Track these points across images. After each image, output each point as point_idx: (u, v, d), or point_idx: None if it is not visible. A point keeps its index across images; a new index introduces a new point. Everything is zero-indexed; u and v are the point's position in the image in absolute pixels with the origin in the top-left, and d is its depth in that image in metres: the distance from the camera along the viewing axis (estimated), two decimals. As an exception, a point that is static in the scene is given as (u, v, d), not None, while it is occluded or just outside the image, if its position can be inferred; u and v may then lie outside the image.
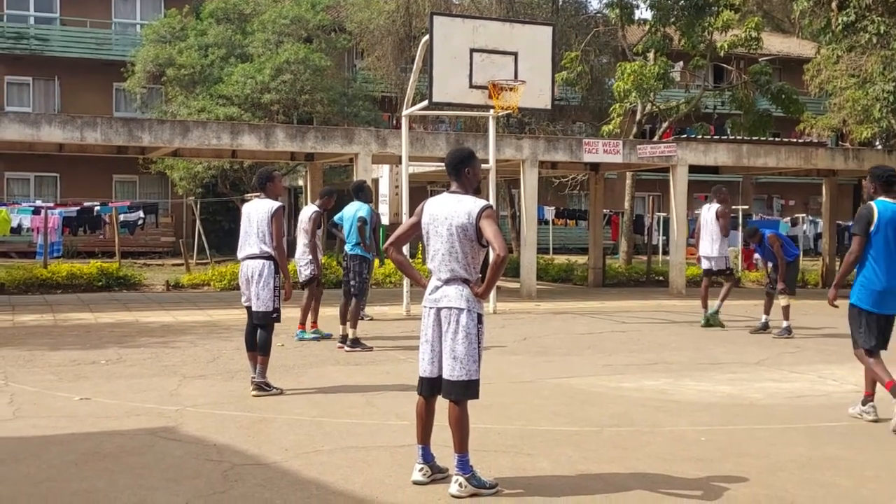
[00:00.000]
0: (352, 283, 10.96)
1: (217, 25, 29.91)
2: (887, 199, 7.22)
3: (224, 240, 31.56)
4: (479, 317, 5.35)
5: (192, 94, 28.19)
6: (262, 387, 8.04)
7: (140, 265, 25.07)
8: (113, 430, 6.62)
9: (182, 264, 23.14)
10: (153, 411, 7.26)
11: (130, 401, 7.63)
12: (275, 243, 8.01)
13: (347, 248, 11.13)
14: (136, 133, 16.09)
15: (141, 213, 25.87)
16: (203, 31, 29.62)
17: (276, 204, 8.11)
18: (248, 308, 8.18)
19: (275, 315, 8.07)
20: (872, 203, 7.26)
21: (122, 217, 24.40)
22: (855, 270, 7.38)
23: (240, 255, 8.23)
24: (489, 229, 5.24)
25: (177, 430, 6.65)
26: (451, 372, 5.31)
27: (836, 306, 7.55)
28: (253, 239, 8.07)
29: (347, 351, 10.56)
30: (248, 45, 29.31)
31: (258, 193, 8.38)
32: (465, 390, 5.29)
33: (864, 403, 7.48)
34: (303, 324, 11.54)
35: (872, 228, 7.14)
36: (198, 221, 27.14)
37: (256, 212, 8.11)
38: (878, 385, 7.32)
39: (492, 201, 15.48)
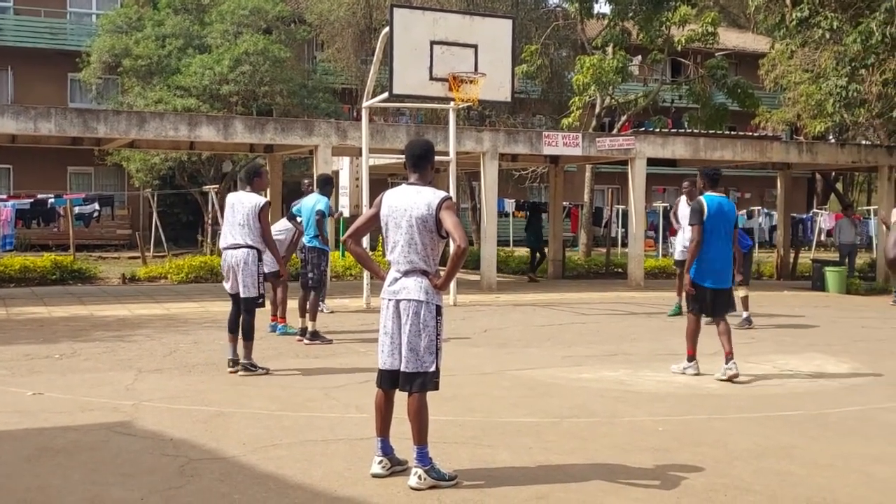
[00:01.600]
0: (310, 275, 10.90)
1: (174, 16, 29.53)
2: (713, 193, 8.80)
3: (182, 233, 31.23)
4: (439, 309, 5.34)
5: (149, 85, 27.81)
6: (249, 367, 8.57)
7: (95, 258, 24.72)
8: (66, 426, 6.52)
9: (138, 257, 22.86)
10: (108, 406, 7.16)
11: (85, 395, 7.52)
12: (263, 237, 8.56)
13: (305, 240, 11.06)
14: (91, 124, 15.83)
15: (96, 206, 25.53)
16: (160, 22, 29.23)
17: (262, 200, 8.64)
18: (233, 295, 8.69)
19: (260, 301, 8.66)
20: (701, 197, 8.74)
21: (76, 209, 24.06)
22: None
23: (223, 244, 8.70)
24: (449, 220, 5.23)
25: (132, 425, 6.57)
26: (409, 364, 5.29)
27: (693, 292, 8.77)
28: (238, 230, 8.54)
29: (307, 344, 10.50)
30: (207, 36, 28.98)
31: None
32: (423, 382, 5.28)
33: (688, 360, 8.91)
34: (283, 317, 11.41)
35: (705, 217, 8.60)
36: (155, 214, 26.83)
37: (242, 204, 8.58)
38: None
39: (452, 194, 15.46)
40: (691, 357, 8.99)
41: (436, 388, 5.33)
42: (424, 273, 5.32)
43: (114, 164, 29.79)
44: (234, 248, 8.54)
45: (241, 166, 30.00)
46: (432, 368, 5.30)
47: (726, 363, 8.75)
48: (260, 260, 8.61)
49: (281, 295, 11.39)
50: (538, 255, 21.19)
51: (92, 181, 32.55)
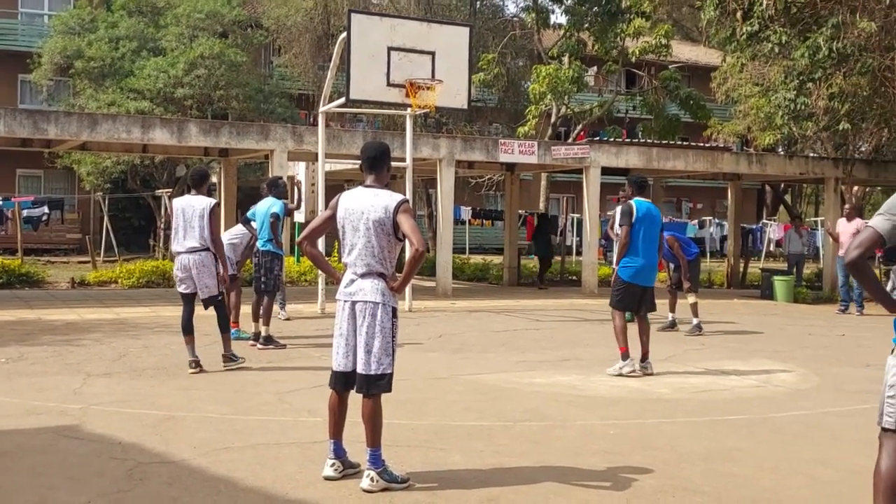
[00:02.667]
0: (262, 279, 10.85)
1: (129, 18, 29.24)
2: (642, 199, 9.32)
3: (133, 237, 30.85)
4: (394, 311, 5.35)
5: (102, 87, 27.49)
6: (231, 358, 9.04)
7: (44, 262, 24.32)
8: (12, 429, 6.41)
9: (89, 262, 22.55)
10: (55, 410, 7.06)
11: (32, 399, 7.40)
12: (213, 237, 8.73)
13: (259, 244, 11.00)
14: (41, 125, 15.60)
15: (46, 209, 25.12)
16: (114, 24, 28.92)
17: (212, 201, 8.83)
18: (186, 295, 8.92)
19: (220, 297, 9.04)
20: (632, 202, 9.26)
21: (25, 212, 23.66)
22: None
23: (178, 248, 8.85)
24: (407, 224, 5.24)
25: (80, 429, 6.48)
26: (365, 366, 5.29)
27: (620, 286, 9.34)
28: (191, 233, 8.72)
29: (260, 349, 10.44)
30: (161, 39, 28.73)
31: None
32: (378, 384, 5.29)
33: (622, 358, 9.21)
34: (236, 322, 11.30)
35: (634, 220, 9.15)
36: (106, 218, 26.45)
37: (192, 207, 8.74)
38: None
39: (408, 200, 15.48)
40: (625, 354, 9.25)
41: (389, 390, 5.34)
42: (381, 275, 5.33)
43: (64, 167, 29.40)
44: (191, 253, 8.72)
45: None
46: (389, 370, 5.31)
47: (643, 361, 9.32)
48: (216, 262, 8.81)
49: (234, 300, 11.31)
50: (546, 263, 21.40)
51: (41, 184, 32.07)
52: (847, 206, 18.29)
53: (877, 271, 22.85)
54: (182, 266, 8.81)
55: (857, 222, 17.10)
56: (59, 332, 11.46)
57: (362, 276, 5.34)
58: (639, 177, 9.79)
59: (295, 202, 12.88)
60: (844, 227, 16.99)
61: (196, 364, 8.82)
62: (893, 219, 3.97)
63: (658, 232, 9.43)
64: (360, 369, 5.31)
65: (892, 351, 4.19)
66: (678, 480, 5.60)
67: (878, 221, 4.00)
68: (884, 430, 4.15)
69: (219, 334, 9.12)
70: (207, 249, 8.74)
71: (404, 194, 15.26)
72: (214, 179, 15.46)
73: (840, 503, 5.33)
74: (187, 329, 8.86)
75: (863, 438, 6.88)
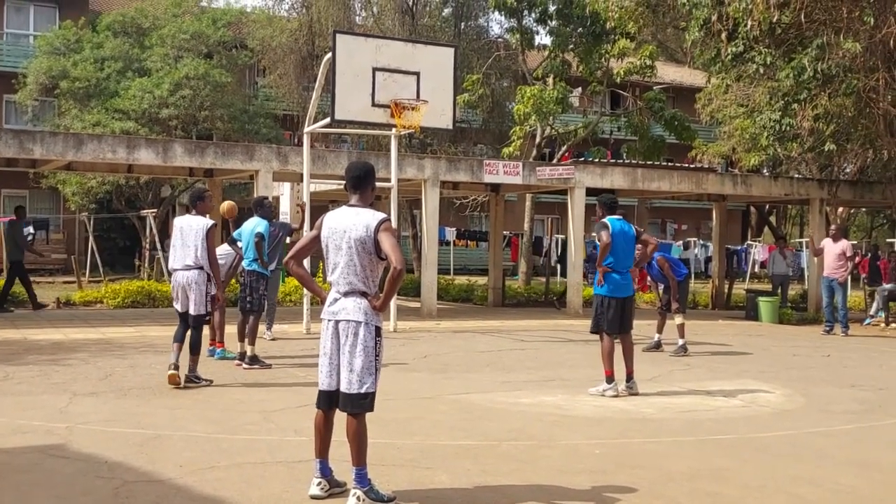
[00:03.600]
0: (248, 299, 10.85)
1: (114, 38, 29.26)
2: (614, 217, 9.57)
3: (118, 257, 30.75)
4: (378, 330, 5.37)
5: (87, 107, 27.47)
6: (193, 379, 9.12)
7: (29, 282, 24.14)
8: (-2, 449, 6.38)
9: (74, 282, 22.44)
10: (41, 429, 7.03)
11: (18, 418, 7.36)
12: (208, 257, 9.04)
13: (245, 263, 11.01)
14: (26, 145, 15.57)
15: (31, 229, 25.02)
16: (99, 44, 28.93)
17: (209, 222, 9.15)
18: (182, 314, 9.21)
19: (207, 318, 9.41)
20: (605, 220, 9.53)
21: (10, 232, 23.50)
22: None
23: (174, 265, 9.20)
24: (387, 242, 5.26)
25: (66, 448, 6.45)
26: (348, 385, 5.30)
27: (603, 283, 9.50)
28: (187, 251, 9.04)
29: (245, 369, 10.41)
30: (147, 60, 28.75)
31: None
32: (361, 403, 5.29)
33: (607, 381, 9.28)
34: (221, 342, 11.29)
35: (611, 236, 9.36)
36: (91, 238, 26.36)
37: (190, 227, 9.09)
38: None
39: (393, 221, 15.51)
40: (609, 378, 9.29)
41: (372, 408, 5.34)
42: (364, 294, 5.35)
43: (49, 187, 29.30)
44: (186, 270, 9.03)
45: (180, 191, 29.74)
46: (372, 389, 5.32)
47: (627, 381, 9.43)
48: (209, 280, 9.09)
49: (219, 319, 11.29)
50: None
51: (27, 204, 31.84)
52: (833, 226, 18.41)
53: (861, 293, 23.02)
54: (177, 283, 9.13)
55: (844, 243, 17.23)
56: (45, 352, 11.40)
57: (345, 294, 5.35)
58: (608, 197, 9.98)
59: (299, 223, 12.98)
60: (830, 248, 17.08)
61: (176, 367, 8.95)
62: None
63: (633, 247, 9.71)
64: (343, 388, 5.32)
65: None
66: (664, 500, 5.62)
67: None
68: None
69: (187, 355, 9.13)
70: (202, 268, 9.02)
71: (389, 215, 15.34)
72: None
73: (825, 521, 5.36)
74: (178, 338, 9.09)
75: (848, 458, 6.93)
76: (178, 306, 9.23)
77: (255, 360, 10.54)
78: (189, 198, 9.52)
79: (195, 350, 9.16)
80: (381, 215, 5.38)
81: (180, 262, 9.07)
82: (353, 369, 5.28)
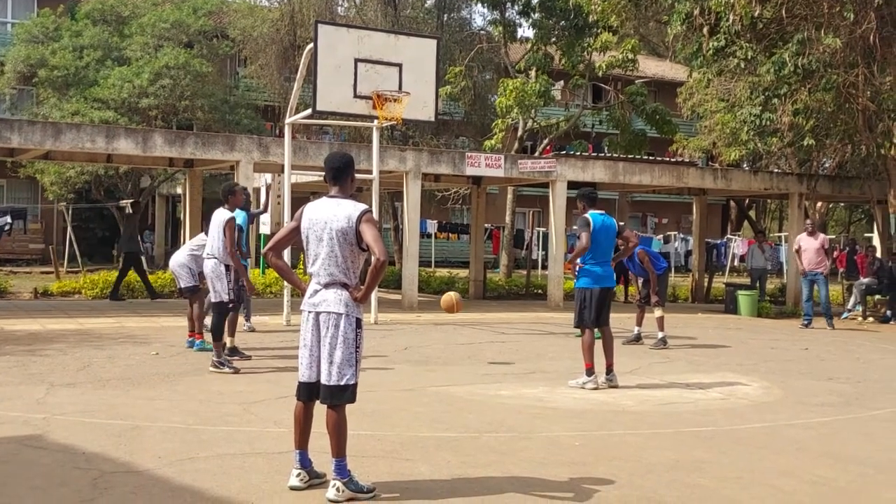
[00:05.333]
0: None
1: (93, 27, 29.03)
2: (595, 212, 9.59)
3: (97, 248, 30.56)
4: (359, 321, 5.35)
5: (66, 96, 27.25)
6: (218, 364, 9.51)
7: (6, 272, 23.96)
8: (-26, 439, 6.33)
9: (51, 272, 22.29)
10: (18, 420, 6.97)
11: (-6, 409, 7.31)
12: (226, 248, 9.63)
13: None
14: (4, 133, 15.43)
15: (8, 219, 24.76)
16: (78, 32, 28.68)
17: (229, 215, 9.76)
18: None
19: (230, 305, 9.85)
20: (587, 214, 9.56)
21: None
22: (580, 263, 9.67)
23: (203, 254, 10.10)
24: (369, 233, 5.25)
25: (44, 438, 6.41)
26: (328, 377, 5.29)
27: (576, 274, 9.68)
28: (212, 242, 9.79)
29: (212, 371, 10.34)
30: (126, 48, 28.54)
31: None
32: (341, 395, 5.28)
33: (587, 374, 9.33)
34: (200, 333, 11.23)
35: (591, 230, 9.40)
36: (69, 228, 26.18)
37: (216, 219, 9.82)
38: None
39: (375, 213, 15.47)
40: (590, 370, 9.34)
41: (352, 400, 5.33)
42: (345, 285, 5.33)
43: (27, 177, 29.08)
44: (208, 259, 9.83)
45: (159, 181, 29.56)
46: (353, 381, 5.31)
47: (608, 373, 9.45)
48: (228, 271, 9.70)
49: (198, 311, 11.24)
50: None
51: (4, 193, 31.68)
52: (808, 221, 18.52)
53: (839, 287, 23.19)
54: (205, 270, 9.92)
55: (822, 238, 17.34)
56: (22, 342, 11.31)
57: (326, 286, 5.34)
58: (588, 190, 10.04)
59: (262, 206, 12.94)
60: (808, 243, 17.18)
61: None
62: None
63: (613, 241, 9.80)
64: (323, 380, 5.30)
65: None
66: (643, 491, 5.64)
67: None
68: None
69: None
70: (217, 258, 9.71)
71: (370, 207, 15.29)
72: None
73: (802, 513, 5.40)
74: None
75: (825, 450, 6.98)
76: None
77: (234, 351, 10.49)
78: (221, 192, 10.16)
79: (217, 336, 9.63)
80: (363, 206, 5.36)
81: (207, 251, 9.89)
82: (334, 361, 5.27)
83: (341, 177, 5.47)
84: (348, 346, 5.28)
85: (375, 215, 15.90)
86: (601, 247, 9.56)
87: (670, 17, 18.53)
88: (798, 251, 17.42)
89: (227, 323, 10.58)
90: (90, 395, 8.10)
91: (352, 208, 5.32)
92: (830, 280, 18.46)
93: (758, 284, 20.86)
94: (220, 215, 9.77)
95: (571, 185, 19.86)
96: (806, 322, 17.15)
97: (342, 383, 5.27)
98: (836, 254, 19.48)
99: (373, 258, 5.26)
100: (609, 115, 25.61)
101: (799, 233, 21.66)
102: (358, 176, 5.51)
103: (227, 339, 10.52)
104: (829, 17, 16.73)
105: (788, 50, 16.93)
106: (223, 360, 9.59)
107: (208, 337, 11.17)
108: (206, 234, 11.44)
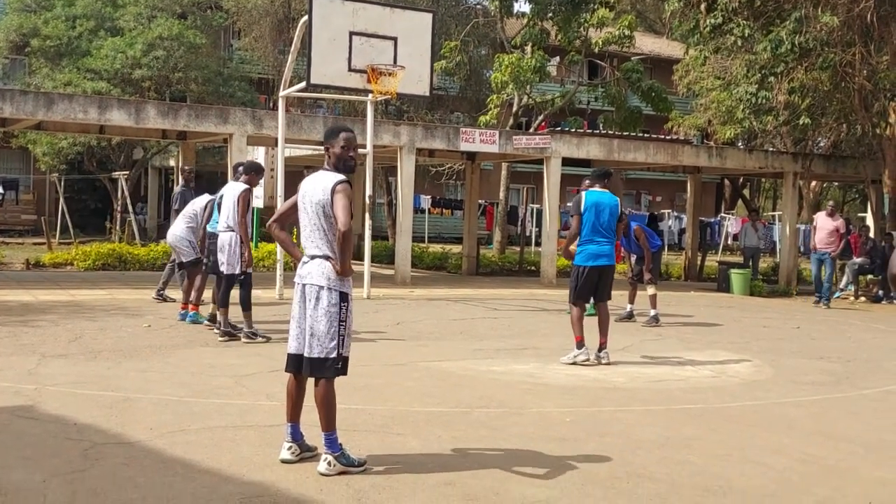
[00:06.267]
0: (205, 261, 10.80)
1: (86, -4, 28.76)
2: (595, 189, 9.61)
3: (89, 219, 30.44)
4: (343, 295, 5.30)
5: (58, 66, 27.03)
6: (250, 335, 9.77)
7: (-2, 243, 23.94)
8: (-35, 409, 6.32)
9: (44, 243, 22.23)
10: (9, 390, 6.96)
11: (-15, 380, 7.29)
12: (238, 220, 9.66)
13: (209, 226, 10.87)
14: (-4, 103, 15.32)
15: (0, 189, 24.70)
16: (71, 2, 28.43)
17: (243, 187, 9.82)
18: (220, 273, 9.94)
19: (241, 276, 9.85)
20: (582, 192, 9.63)
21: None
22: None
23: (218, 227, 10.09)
24: (339, 203, 5.19)
25: (35, 409, 6.40)
26: (309, 349, 5.27)
27: (571, 259, 9.66)
28: (226, 213, 9.79)
29: (218, 332, 10.34)
30: (119, 19, 28.30)
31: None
32: (321, 368, 5.25)
33: (577, 347, 9.36)
34: (196, 304, 11.20)
35: (582, 209, 9.44)
36: (61, 199, 26.09)
37: (230, 192, 9.87)
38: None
39: (368, 188, 15.45)
40: (580, 343, 9.36)
41: (337, 374, 5.29)
42: (327, 258, 5.30)
43: (19, 147, 28.93)
44: (224, 231, 9.78)
45: (152, 153, 29.43)
46: (333, 354, 5.26)
47: (599, 351, 9.45)
48: (242, 242, 9.69)
49: (199, 283, 11.20)
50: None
51: (-4, 164, 31.51)
52: (831, 202, 18.78)
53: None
54: (218, 243, 9.86)
55: (840, 221, 17.50)
56: (14, 313, 11.28)
57: (312, 258, 5.32)
58: (600, 168, 10.04)
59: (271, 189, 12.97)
60: (824, 223, 17.29)
61: (212, 319, 10.21)
62: None
63: (611, 219, 9.58)
64: (307, 352, 5.28)
65: None
66: (633, 467, 5.66)
67: None
68: None
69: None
70: (233, 230, 9.69)
71: (365, 181, 15.25)
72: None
73: (791, 490, 5.42)
74: (223, 302, 9.87)
75: (815, 428, 7.02)
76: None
77: (213, 319, 10.49)
78: (244, 167, 10.18)
79: (245, 306, 9.81)
80: (339, 177, 5.30)
81: (221, 223, 9.84)
82: (315, 333, 5.25)
83: (326, 147, 5.46)
84: (331, 319, 5.25)
85: (369, 190, 15.88)
86: (593, 225, 9.49)
87: (667, -7, 18.44)
88: (814, 228, 17.60)
89: (228, 294, 10.53)
90: (82, 366, 8.09)
91: (329, 180, 5.28)
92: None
93: (750, 263, 20.89)
94: (236, 188, 9.80)
95: (566, 161, 19.82)
96: (817, 299, 17.34)
97: (322, 356, 5.24)
98: (852, 238, 19.53)
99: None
100: (605, 92, 25.51)
101: (792, 211, 21.72)
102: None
103: (214, 308, 10.44)
104: (827, -6, 16.68)
105: (785, 28, 16.87)
106: (255, 331, 9.81)
107: (202, 310, 11.18)
108: (198, 206, 11.42)
